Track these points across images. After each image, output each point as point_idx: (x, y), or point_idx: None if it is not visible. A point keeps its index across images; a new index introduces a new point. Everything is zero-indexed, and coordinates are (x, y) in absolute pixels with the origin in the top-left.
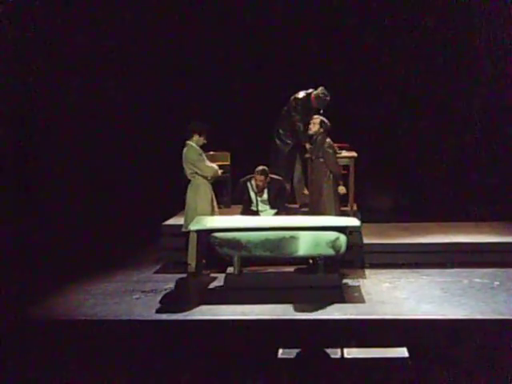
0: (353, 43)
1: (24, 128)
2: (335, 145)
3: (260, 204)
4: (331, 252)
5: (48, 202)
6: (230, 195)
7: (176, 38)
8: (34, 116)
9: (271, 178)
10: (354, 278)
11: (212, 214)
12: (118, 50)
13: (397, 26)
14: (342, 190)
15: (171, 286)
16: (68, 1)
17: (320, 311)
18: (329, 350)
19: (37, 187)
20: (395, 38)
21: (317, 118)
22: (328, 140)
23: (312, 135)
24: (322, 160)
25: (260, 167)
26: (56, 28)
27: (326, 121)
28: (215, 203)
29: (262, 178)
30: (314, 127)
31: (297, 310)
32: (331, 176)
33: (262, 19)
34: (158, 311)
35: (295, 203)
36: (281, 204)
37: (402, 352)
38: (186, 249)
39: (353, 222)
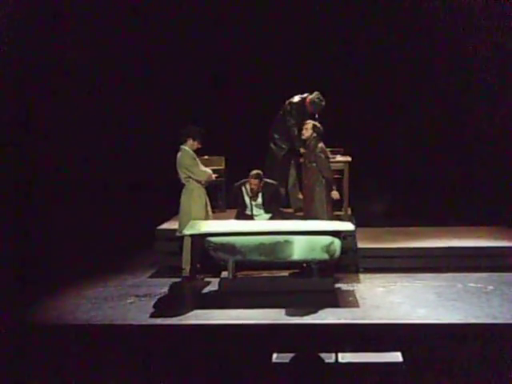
0: (348, 48)
1: (21, 131)
2: (330, 149)
3: (254, 208)
4: (325, 256)
5: (43, 207)
6: (224, 199)
7: (171, 41)
8: (31, 118)
9: (265, 182)
10: (348, 283)
11: (206, 218)
12: (114, 54)
13: (391, 30)
14: (335, 195)
15: (166, 290)
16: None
17: (314, 316)
18: (323, 355)
19: (32, 192)
20: (390, 43)
21: (309, 123)
22: (320, 145)
23: (305, 140)
24: (314, 165)
25: (254, 171)
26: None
27: (318, 125)
28: (209, 207)
29: (256, 181)
30: (307, 132)
31: (291, 314)
32: (323, 181)
33: (258, 23)
34: (153, 316)
35: (290, 208)
36: (275, 208)
37: (397, 356)
38: (181, 253)
39: (347, 226)
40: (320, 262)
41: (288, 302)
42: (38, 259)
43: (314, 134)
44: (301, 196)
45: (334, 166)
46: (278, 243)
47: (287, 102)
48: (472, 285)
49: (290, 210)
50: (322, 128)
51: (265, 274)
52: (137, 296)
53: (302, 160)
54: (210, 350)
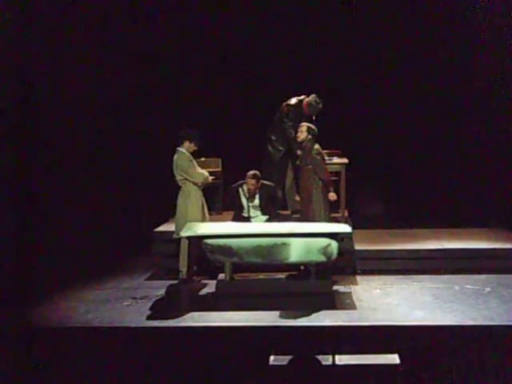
0: (345, 49)
1: (19, 134)
2: (327, 151)
3: (251, 210)
4: (323, 258)
5: (39, 210)
6: (221, 201)
7: (167, 43)
8: (28, 125)
9: (263, 183)
10: (345, 285)
11: (203, 220)
12: (111, 56)
13: (388, 32)
14: (332, 196)
15: (162, 292)
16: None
17: (311, 318)
18: (320, 357)
19: (30, 195)
20: (387, 45)
21: (303, 125)
22: (316, 146)
23: (301, 142)
24: (310, 167)
25: (251, 171)
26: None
27: (312, 127)
28: (206, 209)
29: (254, 181)
30: (302, 134)
31: (288, 316)
32: (320, 183)
33: (255, 25)
34: (150, 318)
35: (287, 210)
36: (272, 210)
37: (394, 358)
38: (178, 255)
39: (344, 228)
40: (317, 264)
41: (285, 304)
42: (34, 262)
43: (309, 136)
44: (298, 198)
45: (330, 168)
46: (275, 245)
47: (284, 104)
48: (469, 287)
49: (287, 212)
50: (316, 130)
51: (262, 276)
52: (134, 298)
53: (298, 162)
54: (207, 353)
